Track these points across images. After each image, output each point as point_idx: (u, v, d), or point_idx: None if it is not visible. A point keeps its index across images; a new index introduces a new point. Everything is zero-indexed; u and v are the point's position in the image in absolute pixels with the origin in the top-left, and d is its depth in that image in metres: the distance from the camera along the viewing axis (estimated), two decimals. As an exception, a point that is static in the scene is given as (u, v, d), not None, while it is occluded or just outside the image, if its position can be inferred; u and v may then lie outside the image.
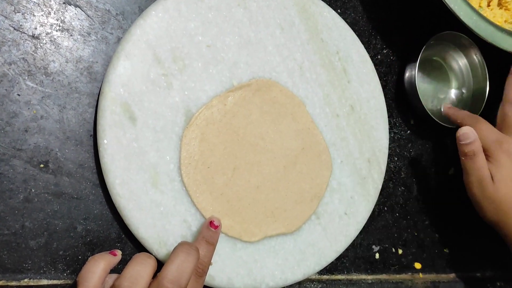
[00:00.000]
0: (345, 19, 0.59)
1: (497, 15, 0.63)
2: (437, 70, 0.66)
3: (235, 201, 0.48)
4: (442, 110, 0.63)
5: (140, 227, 0.43)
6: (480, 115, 0.63)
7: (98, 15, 0.46)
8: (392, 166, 0.62)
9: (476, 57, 0.64)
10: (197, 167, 0.47)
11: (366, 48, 0.60)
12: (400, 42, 0.63)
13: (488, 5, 0.64)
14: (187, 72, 0.47)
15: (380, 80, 0.61)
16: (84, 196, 0.44)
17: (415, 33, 0.64)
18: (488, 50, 0.63)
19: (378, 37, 0.62)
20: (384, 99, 0.59)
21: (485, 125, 0.57)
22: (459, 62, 0.65)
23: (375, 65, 0.61)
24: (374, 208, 0.59)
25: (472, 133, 0.55)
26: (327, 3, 0.58)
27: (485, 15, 0.61)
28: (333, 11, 0.56)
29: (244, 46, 0.50)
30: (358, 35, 0.60)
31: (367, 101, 0.57)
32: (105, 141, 0.43)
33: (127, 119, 0.44)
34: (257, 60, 0.51)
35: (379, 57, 0.62)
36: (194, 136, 0.47)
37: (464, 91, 0.66)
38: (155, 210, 0.44)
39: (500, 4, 0.64)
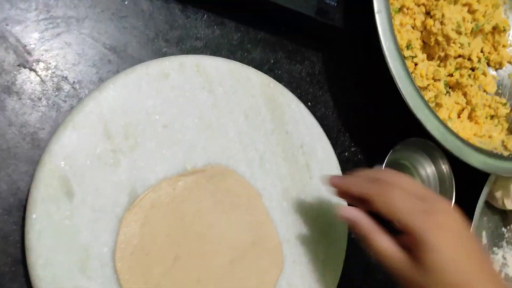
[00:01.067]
0: (314, 112, 0.58)
1: (466, 128, 0.63)
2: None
3: (170, 295, 0.44)
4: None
5: (57, 316, 0.39)
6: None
7: (53, 80, 0.44)
8: (346, 269, 0.59)
9: (445, 167, 0.63)
10: (134, 253, 0.43)
11: (333, 144, 0.59)
12: (369, 142, 0.63)
13: (458, 117, 0.64)
14: (138, 151, 0.44)
15: (345, 178, 0.60)
16: (1, 273, 0.40)
17: (385, 134, 0.63)
18: (457, 161, 0.62)
19: (347, 134, 0.61)
20: (346, 202, 0.56)
21: (397, 192, 0.41)
22: (427, 169, 0.64)
23: (341, 162, 0.60)
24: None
25: (352, 213, 0.44)
26: (297, 95, 0.57)
27: (454, 126, 0.60)
28: (302, 104, 0.55)
29: (203, 130, 0.48)
30: (326, 130, 0.59)
31: (327, 199, 0.55)
32: (34, 215, 0.39)
33: (63, 194, 0.40)
34: (215, 146, 0.49)
35: (346, 154, 0.61)
36: (136, 218, 0.44)
37: (430, 198, 0.64)
38: (78, 298, 0.40)
39: (470, 117, 0.64)
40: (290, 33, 0.58)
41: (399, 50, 0.51)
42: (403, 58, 0.51)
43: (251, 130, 0.51)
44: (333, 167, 0.56)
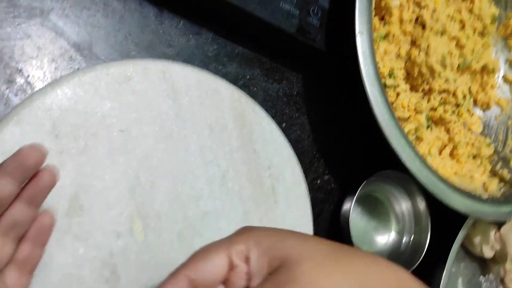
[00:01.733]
0: (289, 134, 0.56)
1: (447, 165, 0.60)
2: (379, 209, 0.61)
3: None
4: None
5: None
6: (415, 269, 0.57)
7: (5, 72, 0.42)
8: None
9: (421, 204, 0.60)
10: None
11: (306, 169, 0.56)
12: (344, 170, 0.60)
13: (440, 153, 0.61)
14: (87, 155, 0.41)
15: (315, 207, 0.56)
16: None
17: (362, 164, 0.61)
18: (435, 199, 0.59)
19: (321, 160, 0.58)
20: (312, 229, 0.53)
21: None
22: (403, 205, 0.61)
23: (312, 189, 0.57)
24: None
25: None
26: (272, 114, 0.54)
27: (434, 162, 0.58)
28: (274, 124, 0.52)
29: (162, 140, 0.45)
30: (300, 154, 0.56)
31: (291, 228, 0.51)
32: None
33: (-4, 193, 0.37)
34: (174, 158, 0.45)
35: (318, 182, 0.58)
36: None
37: (404, 237, 0.61)
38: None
39: (452, 155, 0.62)
40: (270, 50, 0.56)
41: (378, 75, 0.49)
42: (382, 84, 0.49)
43: (215, 145, 0.48)
44: (301, 192, 0.53)
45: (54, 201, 0.39)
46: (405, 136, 0.50)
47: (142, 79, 0.45)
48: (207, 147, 0.48)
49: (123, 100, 0.43)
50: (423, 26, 0.56)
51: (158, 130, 0.45)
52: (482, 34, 0.67)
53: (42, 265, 0.38)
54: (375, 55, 0.49)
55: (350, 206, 0.55)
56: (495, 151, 0.67)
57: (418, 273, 0.59)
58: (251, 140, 0.50)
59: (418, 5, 0.55)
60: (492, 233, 0.65)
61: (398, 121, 0.57)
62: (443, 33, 0.56)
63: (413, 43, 0.57)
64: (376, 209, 0.61)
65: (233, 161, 0.49)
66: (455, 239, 0.60)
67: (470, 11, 0.64)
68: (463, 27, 0.64)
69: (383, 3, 0.56)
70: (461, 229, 0.60)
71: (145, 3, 0.49)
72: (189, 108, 0.47)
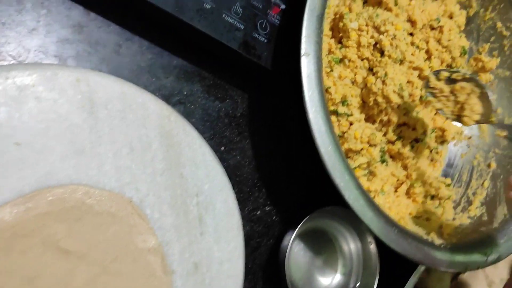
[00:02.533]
0: (227, 159, 0.51)
1: (402, 205, 0.55)
2: (326, 247, 0.56)
3: None
4: None
5: None
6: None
7: None
8: None
9: (371, 244, 0.55)
10: None
11: (244, 199, 0.51)
12: (287, 202, 0.54)
13: (396, 191, 0.56)
14: (-28, 168, 0.36)
15: (252, 240, 0.51)
16: None
17: (307, 196, 0.56)
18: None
19: (263, 190, 0.53)
20: (243, 264, 0.47)
21: None
22: (351, 244, 0.56)
23: (251, 221, 0.52)
24: None
25: None
26: (209, 136, 0.49)
27: (386, 201, 0.53)
28: (207, 147, 0.47)
29: (72, 156, 0.40)
30: (238, 182, 0.51)
31: (219, 262, 0.46)
32: None
33: None
34: (83, 177, 0.40)
35: (258, 213, 0.52)
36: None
37: (351, 281, 0.56)
38: None
39: (408, 193, 0.57)
40: (214, 64, 0.51)
41: (324, 102, 0.44)
42: (328, 112, 0.44)
43: (135, 166, 0.43)
44: (233, 225, 0.47)
45: None
46: (350, 170, 0.45)
47: (51, 87, 0.39)
48: (124, 167, 0.42)
49: (24, 108, 0.38)
50: (382, 53, 0.52)
51: (67, 144, 0.40)
52: (450, 66, 0.63)
53: None
54: (322, 79, 0.45)
55: (289, 242, 0.49)
56: (457, 193, 0.62)
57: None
58: (178, 163, 0.45)
59: (378, 30, 0.51)
60: (448, 282, 0.60)
61: (349, 153, 0.53)
62: (402, 61, 0.52)
63: (371, 69, 0.53)
64: (322, 246, 0.56)
65: (155, 185, 0.44)
66: (405, 284, 0.55)
67: (439, 41, 0.60)
68: (429, 57, 0.60)
69: (341, 25, 0.52)
70: (412, 275, 0.55)
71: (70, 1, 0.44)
72: (107, 123, 0.42)
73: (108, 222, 0.41)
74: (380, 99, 0.52)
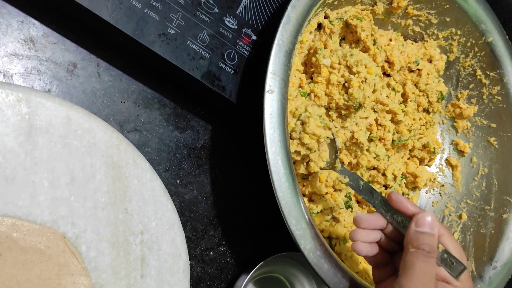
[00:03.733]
0: (183, 193, 0.47)
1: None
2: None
3: None
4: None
5: None
6: None
7: None
8: None
9: (329, 294, 0.51)
10: None
11: (198, 238, 0.47)
12: (244, 244, 0.51)
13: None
14: None
15: (202, 283, 0.48)
16: None
17: (265, 239, 0.52)
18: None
19: (218, 229, 0.50)
20: (187, 313, 0.44)
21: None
22: (309, 293, 0.52)
23: (203, 262, 0.48)
24: None
25: (435, 224, 0.39)
26: (165, 168, 0.46)
27: (349, 249, 0.50)
28: (159, 181, 0.43)
29: (1, 184, 0.36)
30: (193, 218, 0.47)
31: (159, 309, 0.42)
32: None
33: None
34: (11, 208, 0.36)
35: (211, 253, 0.49)
36: None
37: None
38: None
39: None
40: (177, 93, 0.48)
41: (285, 141, 0.41)
42: (289, 152, 0.41)
43: (74, 198, 0.39)
44: (180, 267, 0.44)
45: None
46: (308, 218, 0.42)
47: (-13, 105, 0.36)
48: (60, 198, 0.38)
49: (-48, 127, 0.34)
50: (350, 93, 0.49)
51: (-4, 170, 0.36)
52: (427, 111, 0.61)
53: None
54: (286, 119, 0.42)
55: (241, 286, 0.46)
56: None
57: None
58: (124, 197, 0.41)
59: (350, 69, 0.48)
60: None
61: (313, 197, 0.50)
62: (361, 106, 0.49)
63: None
64: (277, 292, 0.52)
65: (95, 220, 0.40)
66: None
67: (416, 85, 0.58)
68: (405, 100, 0.58)
69: (313, 60, 0.49)
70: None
71: (13, 10, 0.40)
72: (47, 149, 0.38)
73: (35, 260, 0.37)
74: (347, 142, 0.49)
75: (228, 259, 0.50)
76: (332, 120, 0.50)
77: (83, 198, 0.39)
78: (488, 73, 0.62)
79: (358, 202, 0.54)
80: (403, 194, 0.58)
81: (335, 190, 0.50)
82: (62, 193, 0.39)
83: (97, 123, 0.41)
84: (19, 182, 0.37)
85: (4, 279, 0.35)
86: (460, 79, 0.64)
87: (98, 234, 0.40)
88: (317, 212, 0.50)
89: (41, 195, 0.38)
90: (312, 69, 0.50)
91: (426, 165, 0.63)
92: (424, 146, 0.60)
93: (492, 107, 0.62)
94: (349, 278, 0.44)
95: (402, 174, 0.57)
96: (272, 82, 0.41)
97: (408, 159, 0.60)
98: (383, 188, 0.55)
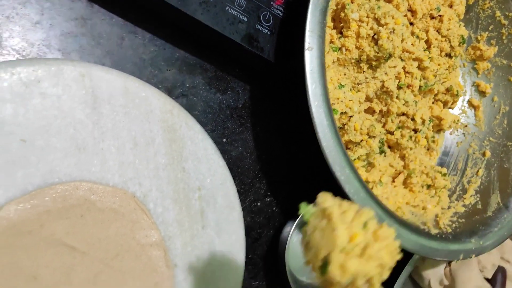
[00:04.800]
0: (229, 151, 0.51)
1: (399, 194, 0.56)
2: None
3: None
4: None
5: None
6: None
7: None
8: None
9: (368, 233, 0.56)
10: None
11: (246, 190, 0.51)
12: (287, 193, 0.55)
13: (393, 181, 0.57)
14: (-23, 166, 0.35)
15: (253, 231, 0.52)
16: None
17: (307, 187, 0.56)
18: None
19: (264, 181, 0.53)
20: (244, 256, 0.48)
21: None
22: (349, 233, 0.57)
23: (251, 212, 0.52)
24: None
25: None
26: (211, 128, 0.49)
27: (384, 191, 0.54)
28: (210, 140, 0.47)
29: (74, 153, 0.40)
30: (240, 173, 0.51)
31: (221, 255, 0.47)
32: None
33: None
34: (86, 174, 0.40)
35: (259, 204, 0.53)
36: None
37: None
38: None
39: (405, 183, 0.58)
40: (216, 57, 0.51)
41: (327, 96, 0.44)
42: (330, 105, 0.44)
43: (138, 161, 0.43)
44: (235, 218, 0.48)
45: None
46: (351, 164, 0.45)
47: (56, 82, 0.39)
48: (128, 162, 0.42)
49: (29, 105, 0.38)
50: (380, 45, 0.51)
51: (69, 141, 0.39)
52: (449, 55, 0.63)
53: None
54: (325, 74, 0.45)
55: (288, 233, 0.50)
56: (452, 181, 0.63)
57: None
58: (181, 158, 0.45)
59: (378, 22, 0.51)
60: (442, 268, 0.61)
61: (349, 145, 0.53)
62: (391, 55, 0.51)
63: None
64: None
65: (158, 179, 0.44)
66: (401, 272, 0.56)
67: (438, 31, 0.60)
68: (429, 47, 0.60)
69: (342, 15, 0.52)
70: (408, 265, 0.56)
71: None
72: (111, 118, 0.42)
73: (111, 218, 0.41)
74: (378, 92, 0.52)
75: (274, 208, 0.54)
76: (363, 71, 0.53)
77: (146, 161, 0.43)
78: (507, 13, 0.64)
79: (390, 147, 0.58)
80: (429, 138, 0.61)
81: (369, 137, 0.54)
82: (128, 158, 0.42)
83: (151, 91, 0.44)
84: (90, 150, 0.41)
85: (87, 238, 0.40)
86: (480, 21, 0.66)
87: (162, 192, 0.44)
88: (354, 159, 0.53)
89: (110, 160, 0.41)
90: (341, 24, 0.52)
91: (450, 107, 0.66)
92: (448, 90, 0.63)
93: (512, 47, 0.64)
94: (390, 214, 0.48)
95: (429, 119, 0.60)
96: (310, 39, 0.44)
97: (433, 103, 0.63)
98: (413, 132, 0.58)
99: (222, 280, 0.47)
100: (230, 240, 0.48)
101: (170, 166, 0.44)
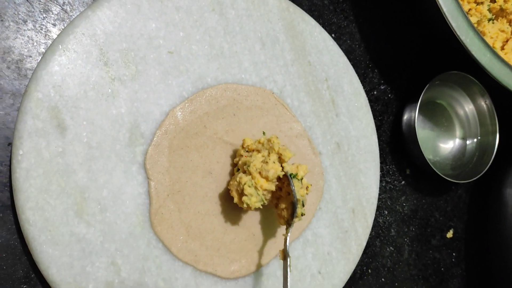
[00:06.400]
0: (339, 45, 0.52)
1: (510, 61, 0.55)
2: (440, 115, 0.58)
3: (205, 232, 0.39)
4: None
5: (51, 266, 0.34)
6: (487, 171, 0.54)
7: (40, 1, 0.38)
8: (380, 220, 0.53)
9: (486, 104, 0.56)
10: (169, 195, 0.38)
11: (361, 81, 0.52)
12: (400, 79, 0.56)
13: (502, 48, 0.56)
14: (139, 80, 0.38)
15: (374, 119, 0.53)
16: (-13, 219, 0.35)
17: (418, 70, 0.57)
18: (500, 97, 0.55)
19: (376, 70, 0.54)
20: (377, 140, 0.50)
21: None
22: (466, 108, 0.57)
23: (370, 101, 0.53)
24: (355, 269, 0.50)
25: None
26: (319, 24, 0.50)
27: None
28: (325, 32, 0.48)
29: (214, 58, 0.42)
30: (352, 65, 0.52)
31: (356, 140, 0.49)
32: (21, 151, 0.34)
33: (54, 128, 0.35)
34: (228, 77, 0.42)
35: (375, 93, 0.54)
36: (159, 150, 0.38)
37: (468, 142, 0.58)
38: (75, 246, 0.35)
39: (515, 49, 0.57)
40: (310, -46, 0.51)
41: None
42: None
43: (269, 60, 0.45)
44: (362, 103, 0.49)
45: (114, 131, 0.37)
46: (473, 27, 0.45)
47: (184, -6, 0.41)
48: (260, 62, 0.44)
49: (167, 18, 0.40)
50: None
51: (208, 48, 0.42)
52: None
53: (113, 197, 0.36)
54: None
55: (414, 112, 0.51)
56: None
57: (487, 179, 0.57)
58: (304, 52, 0.47)
59: None
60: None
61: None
62: None
63: None
64: (436, 116, 0.58)
65: (289, 75, 0.46)
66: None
67: None
68: None
69: None
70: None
71: None
72: (237, 22, 0.43)
73: (258, 114, 0.43)
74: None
75: (389, 95, 0.55)
76: None
77: (275, 59, 0.45)
78: None
79: (494, 14, 0.57)
80: None
81: (477, 4, 0.53)
82: (260, 57, 0.44)
83: (266, -8, 0.45)
84: (227, 54, 0.43)
85: (242, 133, 0.42)
86: None
87: (295, 87, 0.46)
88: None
89: (245, 62, 0.43)
90: None
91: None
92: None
93: None
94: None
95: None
96: None
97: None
98: None
99: (363, 163, 0.49)
100: (362, 125, 0.49)
101: (297, 61, 0.46)
